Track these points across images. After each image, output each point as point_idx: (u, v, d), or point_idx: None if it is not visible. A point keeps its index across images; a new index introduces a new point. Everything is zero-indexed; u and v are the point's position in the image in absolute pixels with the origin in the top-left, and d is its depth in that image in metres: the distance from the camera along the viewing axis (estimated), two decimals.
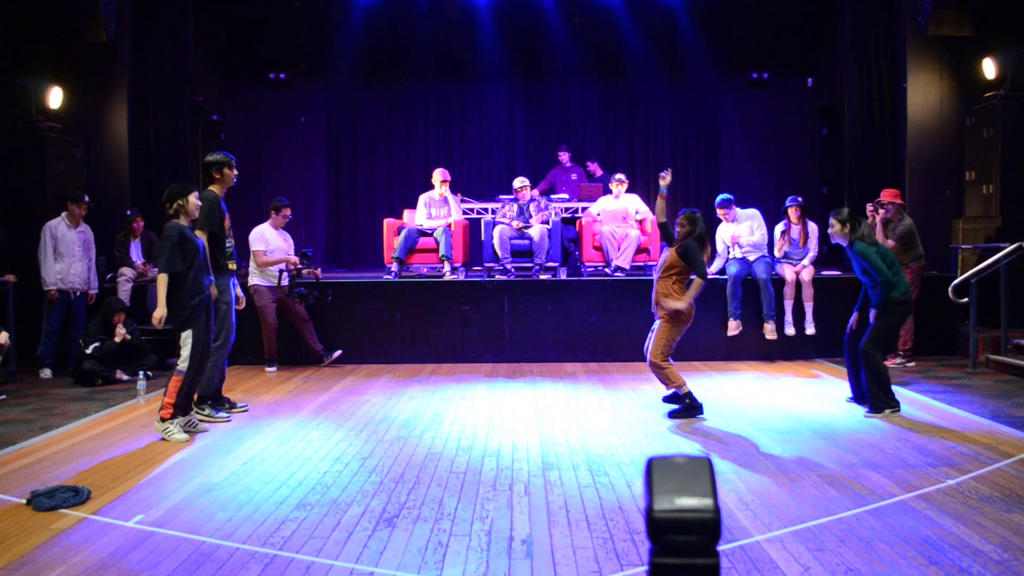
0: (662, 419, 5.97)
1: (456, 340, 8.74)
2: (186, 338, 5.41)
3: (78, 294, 8.12)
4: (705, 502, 1.02)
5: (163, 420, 5.40)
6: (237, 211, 7.79)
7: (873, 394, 5.98)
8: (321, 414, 6.23)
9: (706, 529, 1.02)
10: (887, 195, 8.00)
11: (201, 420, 5.79)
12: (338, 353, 8.45)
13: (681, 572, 1.03)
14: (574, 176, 11.30)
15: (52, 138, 8.80)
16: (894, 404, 5.96)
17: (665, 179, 6.23)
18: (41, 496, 4.14)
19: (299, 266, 8.08)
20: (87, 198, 8.21)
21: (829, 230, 6.10)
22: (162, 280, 5.37)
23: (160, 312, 5.37)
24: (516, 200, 9.78)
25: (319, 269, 8.51)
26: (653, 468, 1.08)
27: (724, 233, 8.68)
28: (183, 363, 5.41)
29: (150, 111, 9.78)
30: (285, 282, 7.98)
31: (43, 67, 9.10)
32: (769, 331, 8.40)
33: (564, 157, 11.55)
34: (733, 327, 8.39)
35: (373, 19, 12.13)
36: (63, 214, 8.05)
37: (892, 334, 6.33)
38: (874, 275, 5.92)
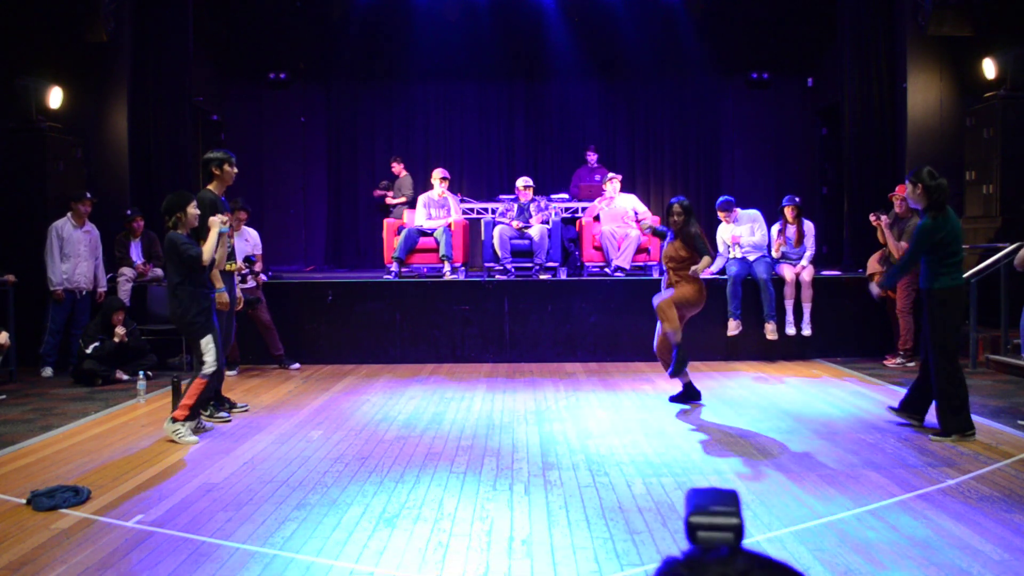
0: (662, 419, 5.97)
1: (456, 340, 8.74)
2: (207, 344, 5.39)
3: (83, 294, 8.12)
4: (731, 509, 1.35)
5: (175, 421, 5.36)
6: None
7: (941, 413, 5.22)
8: (321, 414, 6.23)
9: (731, 530, 1.34)
10: (902, 191, 7.96)
11: (205, 420, 5.80)
12: (296, 366, 8.42)
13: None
14: (597, 177, 11.28)
15: (52, 138, 8.80)
16: (966, 428, 5.16)
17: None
18: (41, 496, 4.14)
19: (243, 271, 7.73)
20: (89, 194, 8.21)
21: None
22: (207, 249, 5.41)
23: (218, 250, 5.55)
24: (516, 200, 9.79)
25: (262, 276, 8.43)
26: (691, 493, 1.39)
27: (724, 233, 8.68)
28: (208, 368, 5.39)
29: (150, 111, 9.78)
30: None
31: (43, 67, 9.10)
32: (770, 331, 8.40)
33: (592, 159, 11.58)
34: (733, 327, 8.39)
35: (373, 19, 12.13)
36: (68, 214, 8.07)
37: (953, 335, 5.20)
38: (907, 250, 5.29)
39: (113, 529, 3.81)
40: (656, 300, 6.22)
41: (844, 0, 10.21)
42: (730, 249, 8.62)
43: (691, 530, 1.32)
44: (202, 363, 5.41)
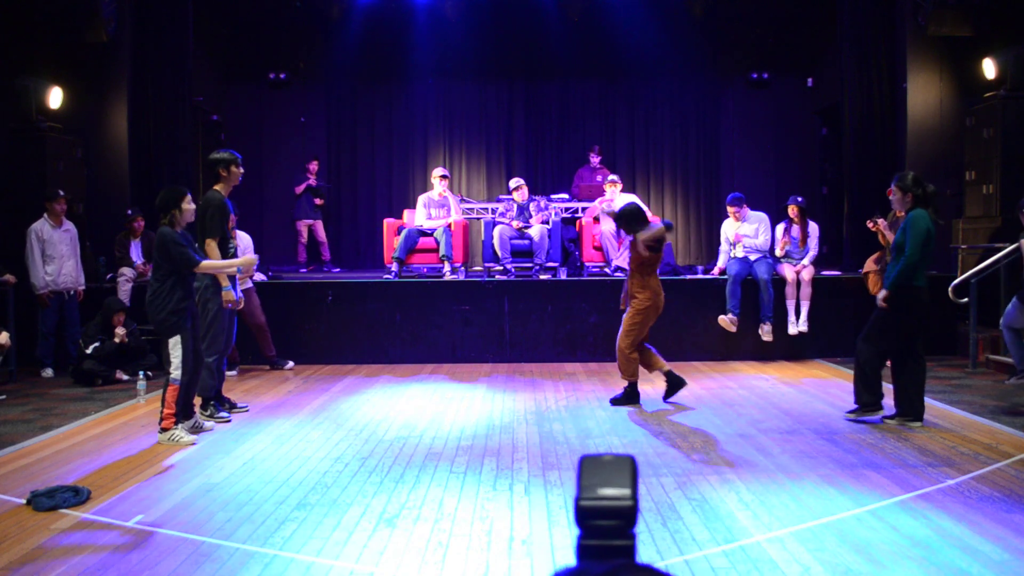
0: (662, 419, 5.98)
1: (456, 340, 8.74)
2: (174, 344, 5.28)
3: (71, 294, 8.10)
4: (624, 492, 1.19)
5: (165, 431, 5.33)
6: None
7: (902, 396, 5.66)
8: (321, 414, 6.23)
9: (623, 515, 1.19)
10: None
11: (205, 421, 5.79)
12: (290, 364, 8.41)
13: (602, 552, 1.20)
14: (599, 178, 11.29)
15: (52, 138, 8.80)
16: (873, 407, 5.70)
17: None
18: (41, 496, 4.14)
19: None
20: (62, 192, 8.17)
21: (891, 196, 5.79)
22: (208, 265, 5.46)
23: (235, 263, 5.63)
24: (513, 200, 9.79)
25: (259, 276, 8.41)
26: (583, 464, 1.24)
27: (728, 230, 8.70)
28: (175, 371, 5.29)
29: (150, 111, 9.78)
30: None
31: (43, 67, 9.10)
32: (765, 332, 8.40)
33: (595, 160, 11.59)
34: (730, 322, 8.36)
35: (373, 19, 12.13)
36: (44, 215, 8.01)
37: (912, 333, 5.58)
38: (906, 248, 5.43)
39: (113, 529, 3.82)
40: (623, 334, 6.32)
41: (844, 0, 10.21)
42: (732, 247, 8.63)
43: (581, 516, 1.20)
44: (169, 364, 5.31)
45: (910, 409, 5.64)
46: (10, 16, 9.12)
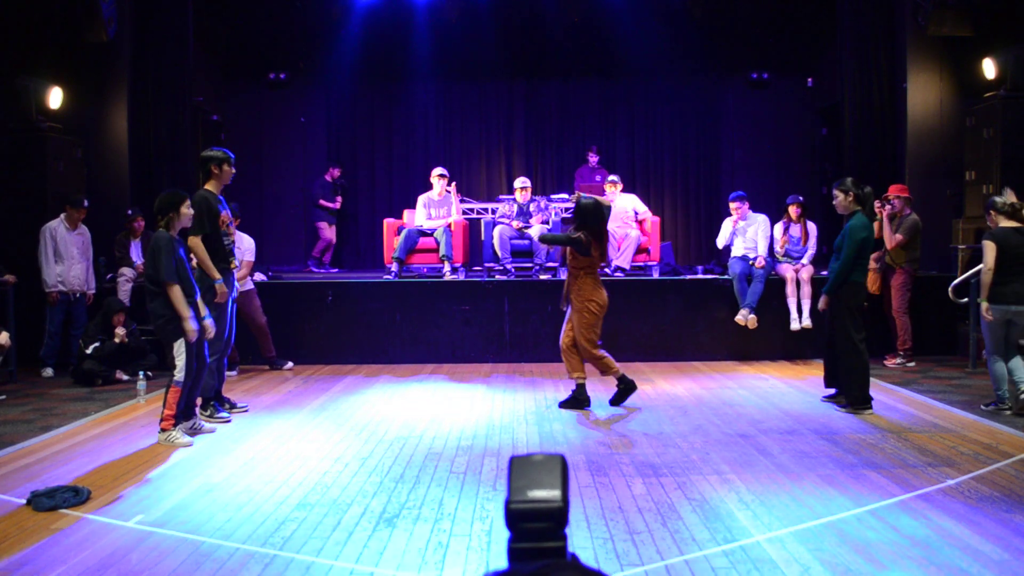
0: (662, 419, 5.97)
1: (456, 340, 8.73)
2: (179, 348, 5.30)
3: (77, 295, 8.12)
4: (554, 493, 1.18)
5: (164, 431, 5.33)
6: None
7: (848, 388, 6.13)
8: (321, 414, 6.23)
9: (554, 517, 1.18)
10: (894, 190, 8.17)
11: (205, 421, 5.78)
12: (289, 364, 8.41)
13: (534, 554, 1.19)
14: (598, 178, 11.29)
15: (52, 138, 8.79)
16: (864, 402, 6.07)
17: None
18: (41, 496, 4.14)
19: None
20: (86, 202, 8.21)
21: (834, 200, 6.14)
22: (175, 292, 5.21)
23: (188, 324, 5.24)
24: (514, 200, 9.79)
25: (259, 275, 8.42)
26: (512, 465, 1.24)
27: (727, 229, 8.72)
28: (179, 373, 5.30)
29: (150, 111, 9.77)
30: None
31: (43, 67, 9.09)
32: (741, 317, 8.35)
33: (593, 160, 11.60)
34: (745, 318, 8.36)
35: (373, 19, 12.13)
36: (62, 216, 8.05)
37: (858, 319, 6.06)
38: (843, 253, 5.93)
39: (113, 529, 3.82)
40: (579, 338, 6.17)
41: (844, 0, 10.21)
42: (732, 239, 8.68)
43: (510, 519, 1.19)
44: (174, 367, 5.31)
45: (852, 396, 6.03)
46: (10, 16, 9.12)
